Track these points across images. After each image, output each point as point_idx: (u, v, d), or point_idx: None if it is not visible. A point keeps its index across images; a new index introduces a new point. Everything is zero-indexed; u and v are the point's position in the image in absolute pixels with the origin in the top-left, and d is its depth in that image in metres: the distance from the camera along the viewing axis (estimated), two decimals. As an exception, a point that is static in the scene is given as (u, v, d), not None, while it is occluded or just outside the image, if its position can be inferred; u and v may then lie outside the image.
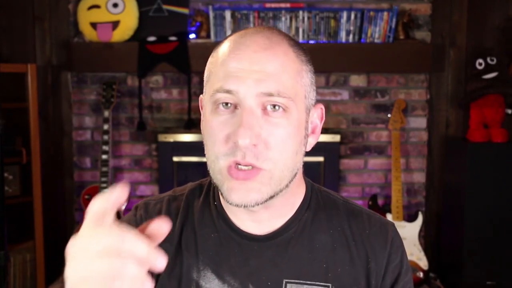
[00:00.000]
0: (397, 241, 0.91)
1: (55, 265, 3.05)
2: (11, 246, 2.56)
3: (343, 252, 0.88)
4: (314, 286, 0.85)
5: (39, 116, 2.87)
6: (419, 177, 3.25)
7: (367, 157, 3.23)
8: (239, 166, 0.78)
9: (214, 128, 0.80)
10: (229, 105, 0.79)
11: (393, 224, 0.94)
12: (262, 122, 0.78)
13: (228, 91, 0.78)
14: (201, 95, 0.89)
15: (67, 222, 3.21)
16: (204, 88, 0.86)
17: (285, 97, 0.78)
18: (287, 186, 0.82)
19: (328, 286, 0.85)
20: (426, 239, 3.23)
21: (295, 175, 0.84)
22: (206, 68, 0.86)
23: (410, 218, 3.08)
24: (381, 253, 0.89)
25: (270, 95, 0.77)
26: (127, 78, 3.19)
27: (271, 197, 0.80)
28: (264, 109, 0.78)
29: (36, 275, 2.82)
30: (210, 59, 0.85)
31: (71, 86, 3.18)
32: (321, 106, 0.90)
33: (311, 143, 0.88)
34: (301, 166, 0.86)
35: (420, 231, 3.05)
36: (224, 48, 0.82)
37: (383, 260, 0.89)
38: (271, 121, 0.78)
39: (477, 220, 2.77)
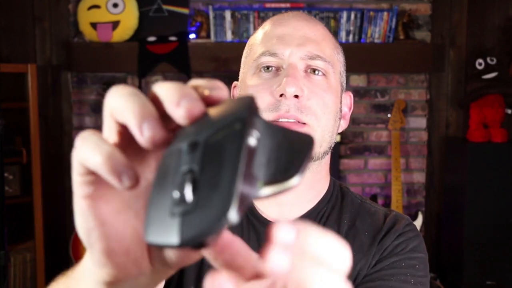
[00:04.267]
0: (406, 230, 0.85)
1: (55, 265, 3.04)
2: (11, 246, 2.56)
3: (350, 239, 0.83)
4: None
5: (39, 116, 2.87)
6: (419, 177, 3.25)
7: (367, 157, 3.23)
8: (282, 120, 0.78)
9: (256, 86, 0.81)
10: (270, 69, 0.82)
11: (408, 219, 0.88)
12: (305, 81, 0.80)
13: (273, 54, 0.81)
14: (235, 82, 0.91)
15: (67, 222, 3.21)
16: (243, 64, 0.89)
17: (325, 61, 0.82)
18: (322, 156, 0.83)
19: None
20: (426, 239, 3.23)
21: (330, 148, 0.85)
22: (246, 45, 0.90)
23: (410, 218, 3.07)
24: (387, 239, 0.83)
25: (312, 58, 0.81)
26: (127, 78, 3.19)
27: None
28: (306, 72, 0.82)
29: (36, 275, 2.82)
30: (250, 38, 0.90)
31: (71, 86, 3.18)
32: (350, 94, 0.92)
33: (342, 126, 0.90)
34: (332, 146, 0.86)
35: (420, 231, 3.05)
36: (266, 24, 0.88)
37: (387, 242, 0.83)
38: (313, 80, 0.81)
39: (477, 220, 2.77)
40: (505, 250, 2.78)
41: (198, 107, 0.32)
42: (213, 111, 0.32)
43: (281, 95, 0.78)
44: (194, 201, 0.29)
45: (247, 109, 0.31)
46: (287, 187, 0.30)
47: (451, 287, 2.95)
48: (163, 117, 0.34)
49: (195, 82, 0.35)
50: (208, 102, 0.34)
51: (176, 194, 0.29)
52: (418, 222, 3.02)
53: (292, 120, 0.78)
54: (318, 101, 0.80)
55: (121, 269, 0.38)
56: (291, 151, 0.31)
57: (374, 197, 3.15)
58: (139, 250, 0.38)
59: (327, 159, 0.87)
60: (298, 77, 0.79)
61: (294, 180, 0.30)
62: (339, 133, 3.19)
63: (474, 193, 2.77)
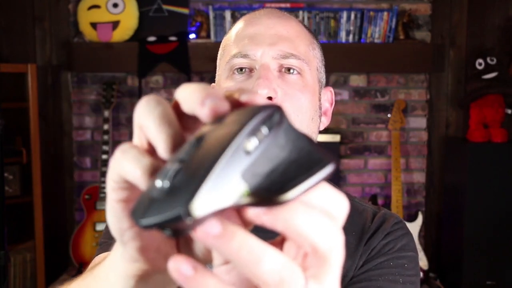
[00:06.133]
0: (394, 229, 0.82)
1: (55, 265, 3.05)
2: (11, 246, 2.56)
3: None
4: None
5: (39, 116, 2.87)
6: (419, 177, 3.25)
7: (367, 157, 3.23)
8: None
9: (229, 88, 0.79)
10: (244, 70, 0.80)
11: (397, 217, 0.85)
12: (279, 81, 0.78)
13: (245, 56, 0.79)
14: (212, 84, 0.88)
15: (67, 222, 3.21)
16: (218, 65, 0.87)
17: (299, 59, 0.79)
18: None
19: None
20: (426, 239, 3.23)
21: None
22: (220, 47, 0.87)
23: (410, 218, 3.08)
24: (375, 239, 0.81)
25: (285, 57, 0.79)
26: (127, 78, 3.19)
27: None
28: (280, 71, 0.79)
29: (36, 275, 2.82)
30: (224, 39, 0.87)
31: (71, 86, 3.18)
32: (330, 89, 0.90)
33: (324, 123, 0.88)
34: None
35: (420, 231, 3.05)
36: (238, 23, 0.85)
37: (374, 242, 0.81)
38: (287, 80, 0.79)
39: (477, 220, 2.77)
40: (505, 250, 2.78)
41: (222, 106, 0.32)
42: (238, 112, 0.32)
43: None
44: (169, 188, 0.30)
45: (255, 115, 0.30)
46: (271, 203, 0.29)
47: (451, 287, 2.95)
48: (190, 117, 0.35)
49: (232, 89, 0.36)
50: (239, 105, 0.34)
51: (159, 181, 0.30)
52: (418, 222, 3.02)
53: None
54: (292, 102, 0.78)
55: (152, 264, 0.40)
56: (302, 168, 0.30)
57: (374, 197, 3.15)
58: (169, 246, 0.41)
59: None
60: (271, 78, 0.76)
61: (281, 198, 0.29)
62: (339, 133, 3.18)
63: (474, 193, 2.77)
